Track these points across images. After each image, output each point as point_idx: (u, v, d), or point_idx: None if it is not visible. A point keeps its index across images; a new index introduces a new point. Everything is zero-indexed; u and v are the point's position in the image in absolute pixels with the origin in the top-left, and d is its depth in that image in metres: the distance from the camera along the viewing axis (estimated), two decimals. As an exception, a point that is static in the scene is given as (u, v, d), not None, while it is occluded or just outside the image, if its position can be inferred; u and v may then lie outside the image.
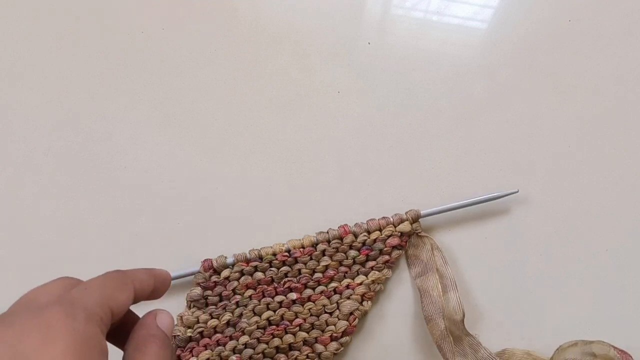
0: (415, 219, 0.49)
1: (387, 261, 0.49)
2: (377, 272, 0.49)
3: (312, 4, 0.60)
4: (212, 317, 0.48)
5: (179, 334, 0.48)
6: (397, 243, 0.49)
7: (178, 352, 0.48)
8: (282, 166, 0.55)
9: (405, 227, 0.49)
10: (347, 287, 0.49)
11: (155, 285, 0.35)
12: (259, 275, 0.49)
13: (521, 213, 0.52)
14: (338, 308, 0.48)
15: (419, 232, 0.49)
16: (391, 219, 0.49)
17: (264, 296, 0.48)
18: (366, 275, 0.49)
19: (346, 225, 0.49)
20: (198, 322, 0.48)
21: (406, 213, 0.49)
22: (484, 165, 0.54)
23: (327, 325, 0.48)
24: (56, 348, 0.25)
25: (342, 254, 0.49)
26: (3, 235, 0.54)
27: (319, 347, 0.48)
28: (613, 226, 0.52)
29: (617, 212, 0.52)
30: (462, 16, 0.59)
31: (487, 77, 0.56)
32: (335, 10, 0.59)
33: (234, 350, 0.47)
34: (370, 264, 0.49)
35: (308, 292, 0.48)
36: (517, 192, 0.51)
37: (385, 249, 0.49)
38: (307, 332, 0.48)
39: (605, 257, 0.51)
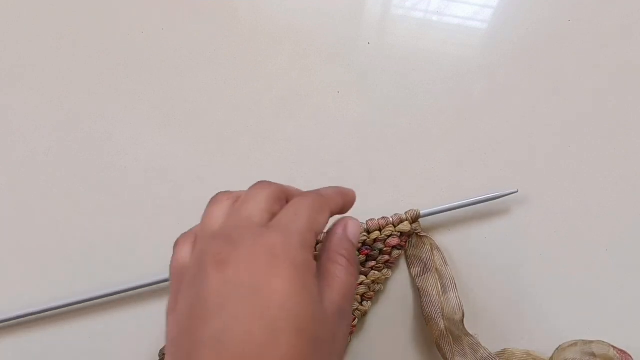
0: (415, 219, 0.48)
1: (387, 261, 0.49)
2: (376, 272, 0.48)
3: (312, 4, 0.60)
4: None
5: None
6: (396, 243, 0.48)
7: None
8: (282, 166, 0.55)
9: (404, 227, 0.48)
10: None
11: (344, 204, 0.36)
12: None
13: (521, 213, 0.52)
14: None
15: (419, 232, 0.49)
16: (391, 219, 0.49)
17: None
18: (366, 275, 0.48)
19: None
20: None
21: (406, 213, 0.49)
22: (484, 165, 0.54)
23: None
24: (282, 276, 0.26)
25: None
26: (3, 236, 0.54)
27: None
28: (613, 226, 0.52)
29: (617, 212, 0.52)
30: (462, 16, 0.59)
31: (487, 77, 0.56)
32: (335, 10, 0.59)
33: None
34: (370, 264, 0.49)
35: None
36: (517, 192, 0.50)
37: (384, 249, 0.49)
38: None
39: (605, 257, 0.51)
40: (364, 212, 0.51)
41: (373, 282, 0.48)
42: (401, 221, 0.48)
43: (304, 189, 0.55)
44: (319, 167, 0.55)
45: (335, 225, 0.35)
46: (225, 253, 0.27)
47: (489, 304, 0.50)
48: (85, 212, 0.54)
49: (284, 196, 0.34)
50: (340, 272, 0.32)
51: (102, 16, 0.60)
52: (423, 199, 0.52)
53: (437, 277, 0.48)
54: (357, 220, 0.36)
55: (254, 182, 0.35)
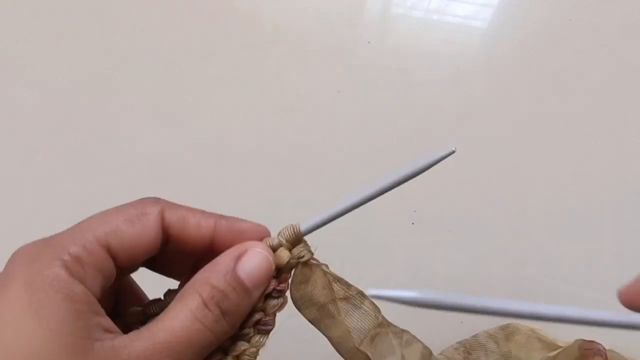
0: (295, 241, 0.27)
1: (257, 322, 0.27)
2: (243, 342, 0.26)
3: (312, 4, 0.60)
4: None
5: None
6: (271, 289, 0.27)
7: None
8: (282, 166, 0.55)
9: (280, 258, 0.27)
10: None
11: (218, 234, 0.25)
12: None
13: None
14: None
15: (304, 260, 0.28)
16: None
17: None
18: (225, 351, 0.26)
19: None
20: None
21: (279, 235, 0.27)
22: (484, 165, 0.54)
23: None
24: (7, 294, 0.21)
25: None
26: (3, 236, 0.54)
27: None
28: (611, 225, 0.52)
29: (620, 212, 0.52)
30: (463, 15, 0.59)
31: (488, 76, 0.56)
32: (335, 10, 0.59)
33: None
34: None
35: None
36: (454, 151, 0.29)
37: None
38: None
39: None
40: (363, 212, 0.51)
41: (235, 359, 0.26)
42: (272, 249, 0.27)
43: (304, 189, 0.55)
44: (319, 166, 0.55)
45: (228, 250, 0.24)
46: None
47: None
48: (84, 212, 0.54)
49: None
50: (183, 313, 0.22)
51: (102, 15, 0.60)
52: (423, 198, 0.52)
53: (343, 318, 0.29)
54: (266, 252, 0.24)
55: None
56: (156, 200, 0.25)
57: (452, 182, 0.53)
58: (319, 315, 0.30)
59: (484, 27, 0.59)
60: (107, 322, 0.22)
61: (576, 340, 0.42)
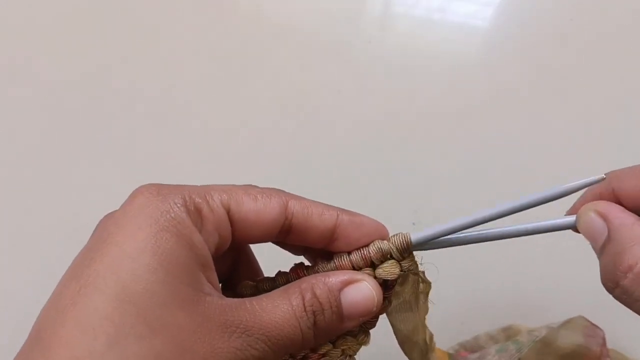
0: (404, 250, 0.26)
1: (364, 322, 0.27)
2: (349, 337, 0.28)
3: (313, 3, 0.60)
4: None
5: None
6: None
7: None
8: (281, 166, 0.55)
9: (388, 271, 0.26)
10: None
11: (340, 225, 0.24)
12: None
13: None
14: None
15: (413, 271, 0.28)
16: (370, 253, 0.26)
17: None
18: (333, 342, 0.28)
19: (299, 268, 0.27)
20: None
21: (392, 238, 0.26)
22: (484, 165, 0.54)
23: None
24: (127, 227, 0.21)
25: None
26: (2, 236, 0.54)
27: None
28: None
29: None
30: (464, 14, 0.59)
31: (489, 74, 0.56)
32: (336, 9, 0.59)
33: None
34: None
35: None
36: (605, 178, 0.27)
37: None
38: None
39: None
40: (364, 211, 0.51)
41: (343, 352, 0.28)
42: (382, 256, 0.26)
43: (304, 189, 0.55)
44: (319, 166, 0.54)
45: (343, 271, 0.24)
46: None
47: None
48: (84, 212, 0.54)
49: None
50: (285, 306, 0.22)
51: (102, 14, 0.60)
52: (423, 198, 0.52)
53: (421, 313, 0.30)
54: (374, 290, 0.24)
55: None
56: (280, 190, 0.25)
57: (453, 182, 0.53)
58: (398, 307, 0.29)
59: (484, 26, 0.59)
60: (215, 279, 0.22)
61: (578, 316, 0.42)
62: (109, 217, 0.22)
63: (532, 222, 0.25)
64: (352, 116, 0.56)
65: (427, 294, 0.29)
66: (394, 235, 0.26)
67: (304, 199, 0.25)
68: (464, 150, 0.54)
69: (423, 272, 0.28)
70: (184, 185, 0.23)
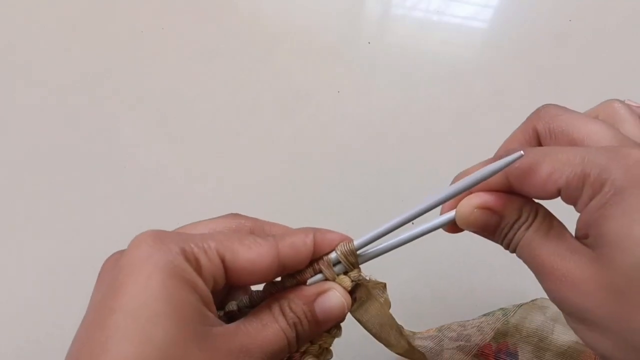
0: (349, 254, 0.28)
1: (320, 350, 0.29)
2: (325, 333, 0.29)
3: (312, 4, 0.60)
4: None
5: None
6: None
7: None
8: (281, 166, 0.55)
9: (341, 283, 0.28)
10: None
11: (316, 245, 0.27)
12: None
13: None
14: None
15: (365, 283, 0.29)
16: (319, 265, 0.28)
17: None
18: (312, 340, 0.28)
19: (272, 286, 0.28)
20: None
21: (338, 249, 0.28)
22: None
23: None
24: (137, 276, 0.22)
25: None
26: (2, 234, 0.54)
27: None
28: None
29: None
30: (463, 16, 0.59)
31: (488, 76, 0.56)
32: (335, 10, 0.59)
33: None
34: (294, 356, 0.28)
35: None
36: (522, 155, 0.25)
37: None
38: None
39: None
40: (364, 211, 0.51)
41: (320, 346, 0.29)
42: (329, 265, 0.28)
43: (304, 189, 0.55)
44: (319, 166, 0.55)
45: (317, 285, 0.27)
46: None
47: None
48: (83, 212, 0.54)
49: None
50: (274, 325, 0.25)
51: (102, 16, 0.60)
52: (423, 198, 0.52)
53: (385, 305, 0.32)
54: (344, 297, 0.27)
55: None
56: (270, 238, 0.26)
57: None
58: (357, 304, 0.31)
59: (483, 28, 0.59)
60: (215, 310, 0.25)
61: None
62: (114, 264, 0.24)
63: (419, 226, 0.28)
64: (351, 116, 0.56)
65: (382, 289, 0.32)
66: (340, 245, 0.28)
67: (287, 233, 0.27)
68: (464, 151, 0.54)
69: (368, 279, 0.30)
70: (181, 234, 0.25)
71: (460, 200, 0.28)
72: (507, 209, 0.26)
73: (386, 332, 0.33)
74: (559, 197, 0.25)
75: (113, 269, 0.24)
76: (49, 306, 0.50)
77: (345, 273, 0.28)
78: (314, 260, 0.28)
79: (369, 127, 0.56)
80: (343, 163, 0.55)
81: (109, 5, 0.61)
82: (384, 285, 0.32)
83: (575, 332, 0.24)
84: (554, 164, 0.24)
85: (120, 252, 0.24)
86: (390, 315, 0.33)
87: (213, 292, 0.25)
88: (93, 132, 0.56)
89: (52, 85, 0.58)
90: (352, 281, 0.28)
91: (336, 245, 0.28)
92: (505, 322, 0.41)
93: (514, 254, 0.27)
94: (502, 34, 0.58)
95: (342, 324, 0.30)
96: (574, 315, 0.23)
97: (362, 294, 0.30)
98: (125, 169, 0.55)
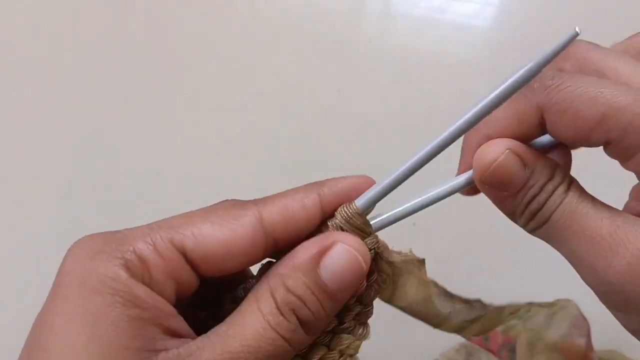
0: (351, 217, 0.22)
1: (357, 314, 0.24)
2: (345, 335, 0.24)
3: (313, 2, 0.59)
4: None
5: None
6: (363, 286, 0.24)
7: None
8: (281, 166, 0.54)
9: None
10: None
11: (326, 205, 0.21)
12: None
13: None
14: None
15: (387, 256, 0.24)
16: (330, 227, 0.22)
17: None
18: (328, 345, 0.24)
19: (269, 266, 0.24)
20: None
21: (336, 217, 0.22)
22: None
23: None
24: (55, 298, 0.18)
25: None
26: (2, 235, 0.53)
27: None
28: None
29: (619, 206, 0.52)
30: (464, 14, 0.59)
31: (489, 74, 0.56)
32: (336, 8, 0.59)
33: None
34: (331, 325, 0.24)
35: None
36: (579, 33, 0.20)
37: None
38: None
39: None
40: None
41: (341, 353, 0.24)
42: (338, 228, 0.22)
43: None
44: (319, 166, 0.54)
45: (309, 241, 0.20)
46: None
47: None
48: (83, 212, 0.54)
49: None
50: (255, 319, 0.19)
51: (102, 15, 0.60)
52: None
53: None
54: (356, 249, 0.20)
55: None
56: (246, 201, 0.21)
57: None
58: (387, 288, 0.26)
59: (485, 26, 0.59)
60: (178, 324, 0.19)
61: (572, 302, 0.41)
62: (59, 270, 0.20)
63: (436, 188, 0.24)
64: (352, 116, 0.56)
65: (419, 265, 0.26)
66: (339, 209, 0.22)
67: (278, 197, 0.21)
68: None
69: (385, 248, 0.24)
70: (127, 230, 0.19)
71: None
72: (540, 163, 0.20)
73: (431, 307, 0.28)
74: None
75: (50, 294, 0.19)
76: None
77: None
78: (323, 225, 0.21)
79: (369, 126, 0.55)
80: (343, 162, 0.54)
81: (109, 5, 0.60)
82: (422, 262, 0.26)
83: (622, 320, 0.20)
84: (607, 108, 0.18)
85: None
86: (432, 282, 0.27)
87: (185, 294, 0.20)
88: (91, 133, 0.56)
89: (49, 84, 0.58)
90: (370, 249, 0.22)
91: (355, 193, 0.22)
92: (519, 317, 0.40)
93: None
94: (504, 32, 0.58)
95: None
96: (623, 298, 0.19)
97: (387, 270, 0.24)
98: (124, 169, 0.55)
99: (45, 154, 0.56)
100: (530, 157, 0.20)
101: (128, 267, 0.18)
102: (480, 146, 0.22)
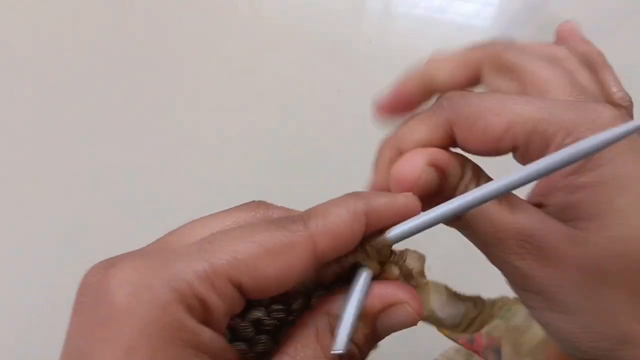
0: (386, 252, 0.21)
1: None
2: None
3: (313, 2, 0.59)
4: None
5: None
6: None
7: None
8: (281, 166, 0.54)
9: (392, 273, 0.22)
10: None
11: (370, 222, 0.19)
12: None
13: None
14: None
15: (407, 267, 0.23)
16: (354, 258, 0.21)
17: None
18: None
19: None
20: None
21: (371, 242, 0.21)
22: (485, 164, 0.54)
23: None
24: (112, 345, 0.15)
25: None
26: (1, 236, 0.53)
27: None
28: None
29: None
30: (464, 14, 0.59)
31: (489, 75, 0.56)
32: (336, 8, 0.59)
33: None
34: None
35: None
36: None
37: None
38: None
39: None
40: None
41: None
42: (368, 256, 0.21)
43: (304, 189, 0.55)
44: (319, 166, 0.54)
45: (378, 291, 0.19)
46: None
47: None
48: (82, 213, 0.54)
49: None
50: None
51: (102, 15, 0.60)
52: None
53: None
54: (417, 312, 0.19)
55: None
56: (287, 217, 0.19)
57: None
58: None
59: (485, 26, 0.59)
60: (232, 357, 0.18)
61: None
62: (83, 318, 0.17)
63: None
64: (352, 116, 0.56)
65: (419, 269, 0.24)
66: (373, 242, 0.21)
67: (326, 215, 0.19)
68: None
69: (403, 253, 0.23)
70: (173, 254, 0.17)
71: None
72: (451, 164, 0.21)
73: (447, 310, 0.27)
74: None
75: (85, 329, 0.17)
76: (51, 309, 0.50)
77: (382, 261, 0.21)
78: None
79: (369, 126, 0.55)
80: (343, 162, 0.54)
81: (108, 5, 0.60)
82: (423, 258, 0.24)
83: (534, 311, 0.20)
84: (513, 116, 0.19)
85: (105, 267, 0.18)
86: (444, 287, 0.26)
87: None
88: (89, 133, 0.56)
89: (49, 85, 0.58)
90: (400, 270, 0.21)
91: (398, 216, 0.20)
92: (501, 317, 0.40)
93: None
94: (504, 33, 0.58)
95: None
96: (534, 292, 0.19)
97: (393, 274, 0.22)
98: (123, 170, 0.55)
99: (45, 154, 0.56)
100: (443, 160, 0.21)
101: (190, 310, 0.16)
102: (393, 162, 0.22)
